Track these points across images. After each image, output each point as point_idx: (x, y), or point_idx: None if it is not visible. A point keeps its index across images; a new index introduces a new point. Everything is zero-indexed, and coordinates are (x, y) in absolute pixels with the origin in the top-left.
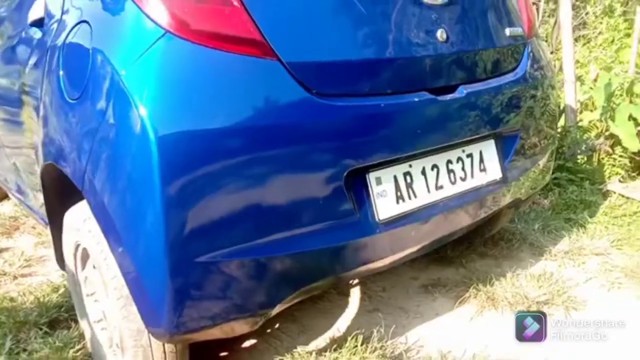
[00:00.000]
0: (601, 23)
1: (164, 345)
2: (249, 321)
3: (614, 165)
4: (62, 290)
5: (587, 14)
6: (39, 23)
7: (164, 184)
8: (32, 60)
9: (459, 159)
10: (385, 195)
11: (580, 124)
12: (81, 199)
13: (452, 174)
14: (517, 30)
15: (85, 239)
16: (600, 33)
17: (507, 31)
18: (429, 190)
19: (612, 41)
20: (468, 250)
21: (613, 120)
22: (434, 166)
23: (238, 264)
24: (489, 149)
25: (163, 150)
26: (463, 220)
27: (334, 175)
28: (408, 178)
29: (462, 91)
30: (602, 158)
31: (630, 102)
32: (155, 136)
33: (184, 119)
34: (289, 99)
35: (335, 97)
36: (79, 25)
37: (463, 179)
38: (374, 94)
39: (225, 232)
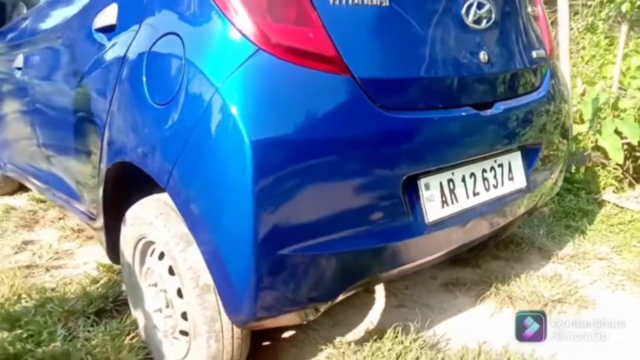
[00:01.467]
0: (583, 39)
1: (233, 330)
2: (312, 310)
3: (608, 177)
4: (102, 281)
5: (571, 29)
6: (108, 30)
7: (255, 184)
8: (97, 65)
9: (492, 168)
10: (433, 200)
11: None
12: (149, 194)
13: (486, 182)
14: (541, 52)
15: (155, 233)
16: (583, 48)
17: (534, 53)
18: (467, 196)
19: (594, 56)
20: (482, 252)
21: (600, 133)
22: (472, 174)
23: (311, 257)
24: (516, 160)
25: (255, 155)
26: (492, 224)
27: (393, 180)
28: (451, 184)
29: (499, 107)
30: (597, 169)
31: (616, 116)
32: (250, 142)
33: (273, 128)
34: (359, 111)
35: (397, 110)
36: (167, 37)
37: (495, 187)
38: (429, 108)
39: (304, 228)
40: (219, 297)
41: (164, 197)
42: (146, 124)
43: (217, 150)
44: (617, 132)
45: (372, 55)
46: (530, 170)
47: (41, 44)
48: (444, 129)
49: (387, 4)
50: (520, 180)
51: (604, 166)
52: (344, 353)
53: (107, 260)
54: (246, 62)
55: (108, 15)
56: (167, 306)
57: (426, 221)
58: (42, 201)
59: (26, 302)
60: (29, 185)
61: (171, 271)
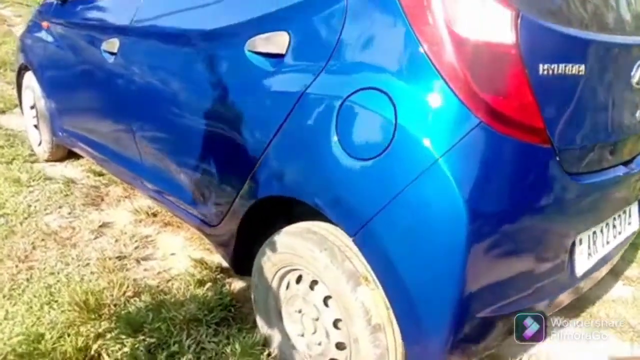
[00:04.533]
0: None
1: None
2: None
3: None
4: (208, 284)
5: None
6: (270, 56)
7: (467, 250)
8: (252, 89)
9: (619, 216)
10: (582, 253)
11: None
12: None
13: (614, 230)
14: None
15: (314, 267)
16: None
17: None
18: (603, 245)
19: None
20: None
21: None
22: (607, 224)
23: (497, 317)
24: (634, 206)
25: (471, 223)
26: (610, 264)
27: (568, 240)
28: (593, 236)
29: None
30: None
31: None
32: (467, 211)
33: (486, 197)
34: (554, 179)
35: (578, 174)
36: (371, 92)
37: (620, 233)
38: (601, 170)
39: (498, 291)
40: (395, 340)
41: (323, 230)
42: (334, 172)
43: (432, 215)
44: None
45: (567, 124)
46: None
47: (157, 40)
48: (609, 187)
49: (583, 72)
50: (635, 223)
51: None
52: None
53: (196, 254)
54: (468, 134)
55: (274, 43)
56: (314, 332)
57: (576, 274)
58: (100, 174)
59: (137, 303)
60: (92, 159)
61: (325, 301)
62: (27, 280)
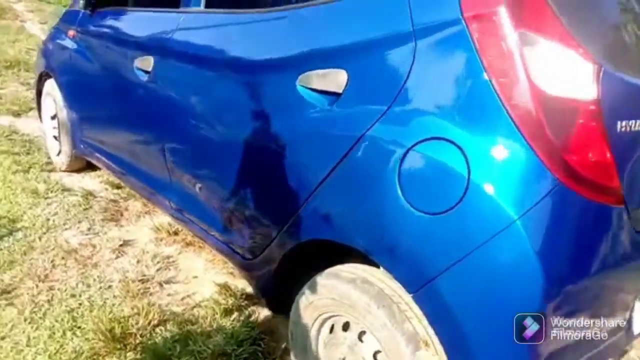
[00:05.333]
0: None
1: None
2: None
3: None
4: (234, 314)
5: None
6: (325, 94)
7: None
8: (305, 126)
9: None
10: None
11: None
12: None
13: None
14: None
15: (368, 321)
16: None
17: None
18: None
19: None
20: None
21: None
22: None
23: None
24: None
25: (547, 287)
26: None
27: (632, 295)
28: None
29: None
30: None
31: None
32: (544, 274)
33: (563, 260)
34: (627, 239)
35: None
36: (439, 142)
37: None
38: None
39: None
40: None
41: (380, 281)
42: (395, 224)
43: (505, 277)
44: None
45: (638, 182)
46: None
47: (198, 64)
48: None
49: None
50: None
51: None
52: None
53: (219, 278)
54: (547, 195)
55: (330, 80)
56: None
57: (633, 332)
58: (118, 187)
59: (163, 333)
60: (113, 173)
61: (375, 356)
62: (48, 302)
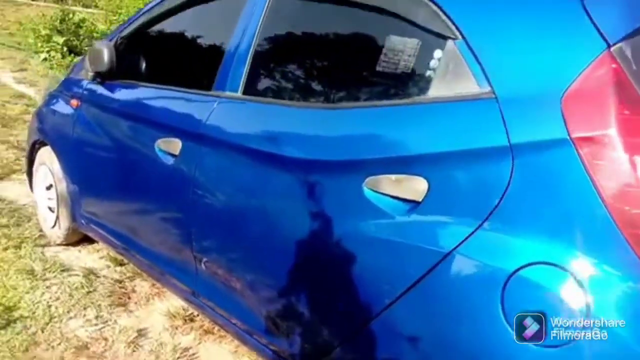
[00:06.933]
0: None
1: None
2: None
3: None
4: None
5: None
6: (401, 200)
7: None
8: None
9: None
10: None
11: None
12: None
13: None
14: None
15: None
16: None
17: None
18: None
19: None
20: None
21: None
22: None
23: None
24: None
25: None
26: None
27: None
28: None
29: None
30: None
31: None
32: None
33: None
34: None
35: None
36: (548, 268)
37: None
38: None
39: None
40: None
41: None
42: (496, 354)
43: None
44: None
45: None
46: None
47: (240, 154)
48: None
49: None
50: None
51: None
52: None
53: None
54: None
55: (407, 187)
56: None
57: None
58: (121, 263)
59: None
60: (118, 252)
61: None
62: None
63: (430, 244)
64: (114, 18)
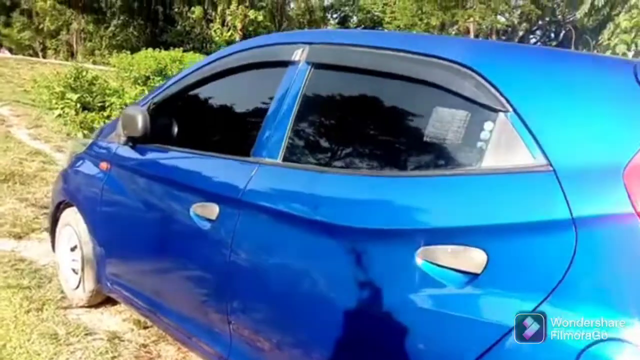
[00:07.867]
0: None
1: None
2: None
3: None
4: None
5: None
6: (458, 272)
7: None
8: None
9: None
10: None
11: None
12: None
13: None
14: None
15: None
16: None
17: None
18: None
19: None
20: None
21: None
22: None
23: None
24: None
25: None
26: None
27: None
28: None
29: None
30: None
31: None
32: None
33: None
34: None
35: None
36: (617, 343)
37: None
38: None
39: None
40: None
41: None
42: None
43: None
44: None
45: None
46: None
47: (283, 222)
48: None
49: None
50: None
51: None
52: None
53: None
54: None
55: (464, 259)
56: None
57: None
58: (144, 327)
59: None
60: (145, 317)
61: None
62: None
63: (495, 318)
64: (125, 75)
